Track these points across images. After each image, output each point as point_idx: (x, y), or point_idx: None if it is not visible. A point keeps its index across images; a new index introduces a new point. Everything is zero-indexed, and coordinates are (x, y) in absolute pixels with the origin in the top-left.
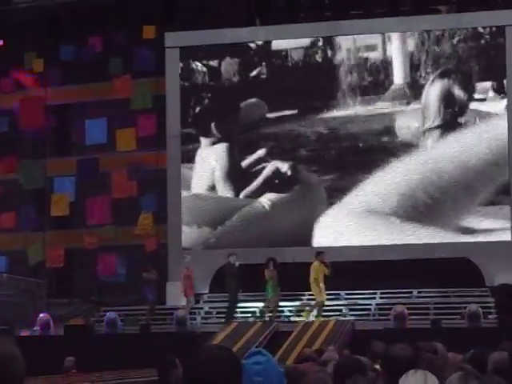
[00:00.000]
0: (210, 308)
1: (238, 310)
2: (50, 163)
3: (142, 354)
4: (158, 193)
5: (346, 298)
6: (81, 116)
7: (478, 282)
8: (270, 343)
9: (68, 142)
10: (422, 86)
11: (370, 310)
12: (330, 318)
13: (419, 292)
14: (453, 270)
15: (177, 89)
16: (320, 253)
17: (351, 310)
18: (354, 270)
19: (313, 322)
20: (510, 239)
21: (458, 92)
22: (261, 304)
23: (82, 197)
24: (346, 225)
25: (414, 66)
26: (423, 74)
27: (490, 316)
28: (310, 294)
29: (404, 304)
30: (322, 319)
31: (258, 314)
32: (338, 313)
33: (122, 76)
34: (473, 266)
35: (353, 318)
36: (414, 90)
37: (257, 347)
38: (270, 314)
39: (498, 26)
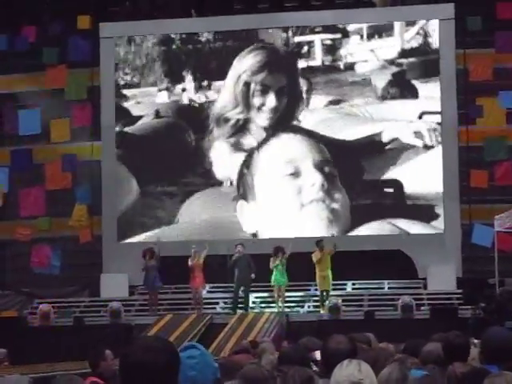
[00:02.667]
0: (144, 300)
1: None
2: None
3: (75, 347)
4: (92, 184)
5: None
6: (14, 106)
7: (411, 274)
8: (205, 335)
9: (1, 132)
10: None
11: (304, 301)
12: (265, 310)
13: (353, 284)
14: (386, 262)
15: (112, 80)
16: (318, 242)
17: (286, 301)
18: (289, 261)
19: (248, 314)
20: (442, 231)
21: None
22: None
23: (16, 188)
24: (280, 215)
25: None
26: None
27: (422, 307)
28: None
29: (338, 296)
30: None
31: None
32: (273, 305)
33: (57, 66)
34: (406, 258)
35: (287, 309)
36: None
37: (191, 339)
38: (280, 304)
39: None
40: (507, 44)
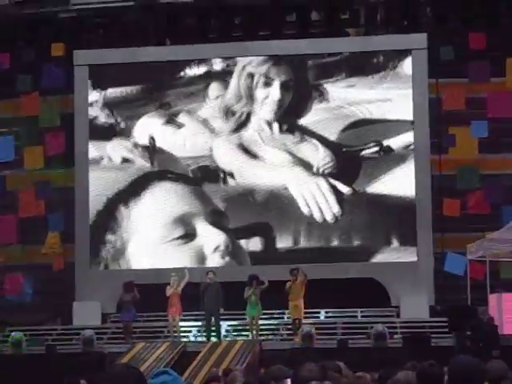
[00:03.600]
0: (117, 328)
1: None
2: None
3: (47, 375)
4: (65, 212)
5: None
6: None
7: (384, 303)
8: (178, 363)
9: None
10: None
11: (278, 330)
12: (238, 339)
13: (327, 312)
14: (360, 290)
15: (85, 107)
16: (291, 270)
17: (260, 330)
18: (262, 289)
19: (221, 342)
20: (415, 260)
21: None
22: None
23: None
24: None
25: None
26: None
27: (395, 336)
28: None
29: (312, 324)
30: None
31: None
32: (246, 333)
33: (31, 93)
34: (379, 286)
35: (261, 337)
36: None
37: (164, 367)
38: (255, 333)
39: (404, 49)
40: (480, 74)
